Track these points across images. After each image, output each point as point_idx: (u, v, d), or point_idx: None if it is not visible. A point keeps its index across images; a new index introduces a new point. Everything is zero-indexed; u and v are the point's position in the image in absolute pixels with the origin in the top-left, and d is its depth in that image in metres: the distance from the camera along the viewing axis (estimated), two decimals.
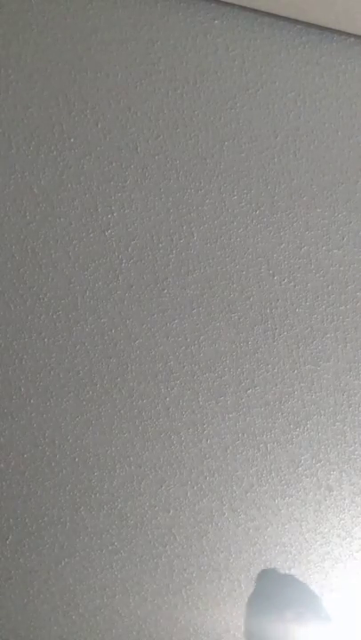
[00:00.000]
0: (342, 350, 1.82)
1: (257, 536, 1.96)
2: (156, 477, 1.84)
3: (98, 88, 1.54)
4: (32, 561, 1.86)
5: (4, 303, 1.64)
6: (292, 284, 1.74)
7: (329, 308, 1.78)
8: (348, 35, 1.60)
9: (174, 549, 1.92)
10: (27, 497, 1.80)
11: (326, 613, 1.34)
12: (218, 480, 1.88)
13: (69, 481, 1.80)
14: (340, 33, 1.60)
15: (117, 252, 1.64)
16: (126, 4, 1.51)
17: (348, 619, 2.15)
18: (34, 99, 1.52)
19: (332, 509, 1.97)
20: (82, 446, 1.78)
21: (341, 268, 1.75)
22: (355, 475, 1.94)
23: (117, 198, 1.61)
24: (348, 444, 1.91)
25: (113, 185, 1.60)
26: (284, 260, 1.72)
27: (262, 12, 1.55)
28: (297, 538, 1.99)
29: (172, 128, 1.59)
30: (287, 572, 2.03)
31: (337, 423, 1.88)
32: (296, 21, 1.57)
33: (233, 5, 1.54)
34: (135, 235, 1.64)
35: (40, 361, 1.69)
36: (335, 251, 1.74)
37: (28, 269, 1.62)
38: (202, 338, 1.74)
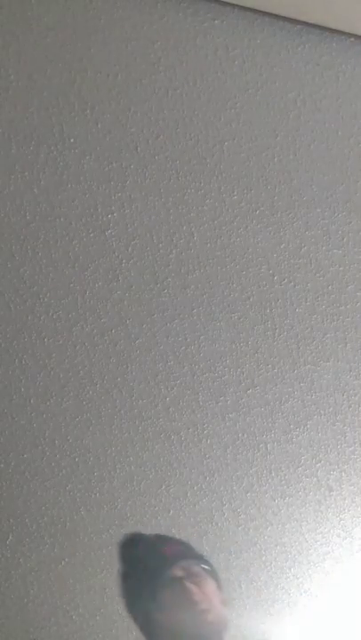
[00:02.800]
0: (342, 350, 1.82)
1: (257, 536, 1.96)
2: (156, 477, 1.84)
3: (98, 88, 1.54)
4: (32, 561, 1.86)
5: (4, 303, 1.64)
6: (292, 284, 1.74)
7: (329, 308, 1.78)
8: (348, 35, 1.60)
9: None
10: (27, 497, 1.80)
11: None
12: (218, 480, 1.88)
13: (69, 481, 1.80)
14: (340, 33, 1.60)
15: (117, 251, 1.64)
16: (126, 4, 1.51)
17: (348, 618, 2.15)
18: (34, 99, 1.52)
19: (332, 509, 1.97)
20: (82, 446, 1.78)
21: (341, 268, 1.75)
22: (355, 475, 1.94)
23: (117, 198, 1.61)
24: (348, 443, 1.91)
25: (113, 185, 1.60)
26: (284, 260, 1.72)
27: (262, 11, 1.55)
28: (297, 538, 1.99)
29: (172, 128, 1.59)
30: (287, 572, 2.03)
31: (337, 423, 1.88)
32: (296, 21, 1.57)
33: (233, 5, 1.54)
34: (135, 235, 1.64)
35: (40, 361, 1.69)
36: (335, 251, 1.74)
37: (28, 269, 1.62)
38: (202, 338, 1.74)
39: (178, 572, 1.27)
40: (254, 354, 1.78)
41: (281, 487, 1.92)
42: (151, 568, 1.30)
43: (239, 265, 1.70)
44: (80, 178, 1.58)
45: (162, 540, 1.39)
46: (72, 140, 1.56)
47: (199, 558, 1.31)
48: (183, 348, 1.74)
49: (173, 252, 1.67)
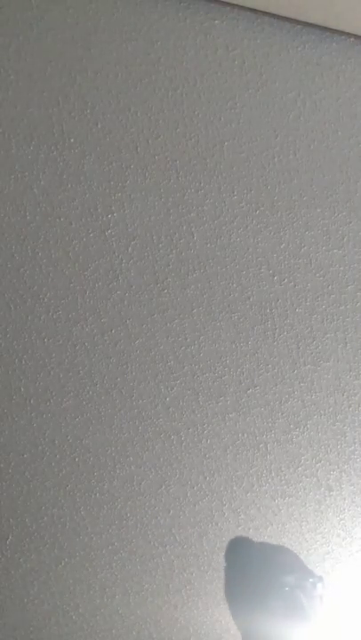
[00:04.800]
0: (342, 350, 1.82)
1: (257, 536, 1.96)
2: (156, 477, 1.84)
3: (98, 88, 1.54)
4: (32, 561, 1.86)
5: (4, 303, 1.64)
6: (292, 283, 1.74)
7: (329, 308, 1.78)
8: (349, 35, 1.60)
9: (174, 549, 1.92)
10: (27, 497, 1.80)
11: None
12: (218, 480, 1.88)
13: (69, 481, 1.80)
14: (340, 33, 1.60)
15: (117, 252, 1.64)
16: (126, 4, 1.51)
17: (348, 618, 2.15)
18: (34, 99, 1.52)
19: (332, 509, 1.97)
20: (82, 446, 1.78)
21: (341, 268, 1.75)
22: (355, 475, 1.94)
23: (117, 198, 1.61)
24: (348, 443, 1.91)
25: (113, 185, 1.60)
26: (284, 260, 1.72)
27: (262, 11, 1.55)
28: (297, 538, 1.99)
29: (172, 128, 1.59)
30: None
31: (337, 423, 1.88)
32: (296, 21, 1.57)
33: (233, 5, 1.54)
34: (135, 235, 1.64)
35: (40, 361, 1.69)
36: (335, 251, 1.74)
37: (28, 269, 1.62)
38: (202, 338, 1.74)
39: (291, 581, 1.29)
40: (254, 354, 1.78)
41: (281, 487, 1.92)
42: (263, 571, 1.31)
43: (239, 265, 1.70)
44: (80, 178, 1.58)
45: (277, 548, 1.42)
46: (72, 140, 1.56)
47: (311, 574, 1.33)
48: (183, 348, 1.74)
49: (173, 252, 1.67)
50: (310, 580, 1.30)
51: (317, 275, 1.75)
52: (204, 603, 1.84)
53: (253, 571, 1.33)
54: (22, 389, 1.71)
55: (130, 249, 1.65)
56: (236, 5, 1.54)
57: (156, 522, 1.89)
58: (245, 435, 1.84)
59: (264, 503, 1.93)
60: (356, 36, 1.60)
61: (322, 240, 1.72)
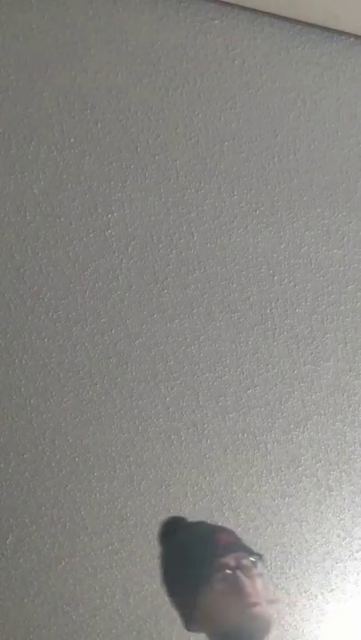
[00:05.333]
0: (342, 350, 1.82)
1: (257, 536, 1.96)
2: (156, 477, 1.84)
3: (98, 88, 1.54)
4: (32, 561, 1.86)
5: (4, 303, 1.64)
6: (292, 284, 1.74)
7: (329, 308, 1.78)
8: (349, 35, 1.60)
9: None
10: (27, 497, 1.80)
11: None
12: (218, 480, 1.88)
13: (69, 481, 1.80)
14: (340, 33, 1.60)
15: (117, 252, 1.64)
16: (126, 4, 1.51)
17: (348, 618, 2.15)
18: (34, 99, 1.52)
19: (332, 509, 1.97)
20: (82, 446, 1.78)
21: (341, 268, 1.75)
22: (355, 475, 1.94)
23: (117, 198, 1.61)
24: (348, 443, 1.91)
25: (113, 185, 1.60)
26: (284, 260, 1.72)
27: (262, 11, 1.55)
28: (297, 538, 1.99)
29: (172, 128, 1.59)
30: (287, 572, 2.03)
31: (337, 423, 1.88)
32: (296, 21, 1.57)
33: (233, 5, 1.54)
34: (135, 235, 1.64)
35: (40, 361, 1.69)
36: (335, 251, 1.74)
37: (28, 269, 1.62)
38: (202, 338, 1.74)
39: (231, 562, 1.27)
40: (254, 354, 1.78)
41: (281, 487, 1.92)
42: (202, 553, 1.29)
43: (239, 265, 1.70)
44: (80, 178, 1.58)
45: (214, 527, 1.40)
46: (72, 140, 1.56)
47: (251, 552, 1.31)
48: (183, 347, 1.74)
49: (173, 252, 1.67)
50: (250, 559, 1.28)
51: (317, 275, 1.75)
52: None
53: (192, 554, 1.31)
54: (22, 389, 1.71)
55: (130, 249, 1.65)
56: (236, 5, 1.54)
57: (156, 522, 1.89)
58: (245, 435, 1.84)
59: (264, 503, 1.93)
60: (356, 36, 1.60)
61: (322, 240, 1.72)
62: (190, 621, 1.32)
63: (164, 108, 1.57)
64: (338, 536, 2.01)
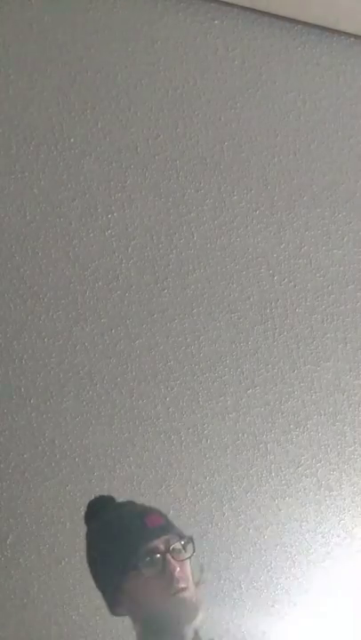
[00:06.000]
0: (342, 350, 1.82)
1: (257, 536, 1.96)
2: (156, 477, 1.84)
3: (98, 88, 1.54)
4: (32, 561, 1.86)
5: (4, 303, 1.64)
6: (292, 283, 1.74)
7: (329, 308, 1.78)
8: (348, 35, 1.60)
9: None
10: (27, 497, 1.80)
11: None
12: (218, 480, 1.88)
13: (69, 481, 1.80)
14: (340, 33, 1.60)
15: (117, 252, 1.64)
16: (126, 4, 1.51)
17: (348, 618, 2.15)
18: (34, 99, 1.52)
19: (332, 509, 1.97)
20: (82, 446, 1.78)
21: (341, 268, 1.75)
22: (355, 475, 1.94)
23: (117, 198, 1.61)
24: (348, 443, 1.91)
25: (113, 185, 1.60)
26: (284, 260, 1.72)
27: (262, 11, 1.55)
28: (297, 538, 1.99)
29: (172, 128, 1.59)
30: (287, 572, 2.03)
31: (337, 423, 1.88)
32: (296, 21, 1.57)
33: (233, 5, 1.54)
34: (135, 235, 1.64)
35: (40, 361, 1.69)
36: (335, 251, 1.74)
37: (28, 269, 1.62)
38: (202, 338, 1.74)
39: (160, 545, 1.24)
40: (254, 354, 1.78)
41: (281, 487, 1.92)
42: (130, 535, 1.26)
43: (239, 265, 1.70)
44: (80, 178, 1.58)
45: (143, 508, 1.36)
46: (72, 140, 1.56)
47: (180, 535, 1.28)
48: (183, 347, 1.74)
49: (173, 252, 1.67)
50: (181, 542, 1.26)
51: (317, 275, 1.75)
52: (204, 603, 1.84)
53: (119, 535, 1.28)
54: (22, 389, 1.71)
55: (130, 249, 1.65)
56: (236, 5, 1.54)
57: None
58: (245, 435, 1.84)
59: (264, 503, 1.93)
60: (356, 36, 1.60)
61: (322, 240, 1.72)
62: (115, 605, 1.28)
63: (164, 108, 1.57)
64: (338, 536, 2.00)
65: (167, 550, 1.24)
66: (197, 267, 1.68)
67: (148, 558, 1.23)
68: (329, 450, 1.90)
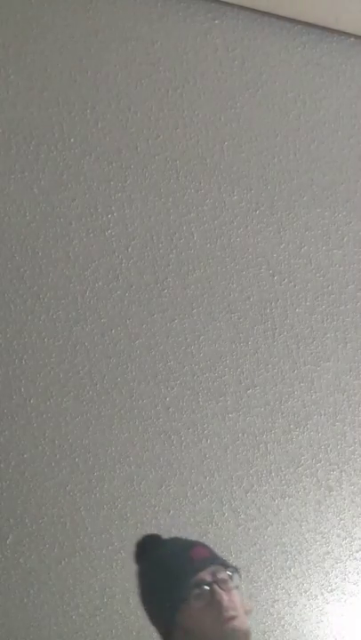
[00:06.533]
0: (342, 350, 1.82)
1: (257, 536, 1.96)
2: (156, 477, 1.84)
3: (98, 88, 1.54)
4: (32, 561, 1.86)
5: (4, 303, 1.64)
6: (292, 284, 1.74)
7: (329, 308, 1.78)
8: (348, 35, 1.60)
9: None
10: (27, 497, 1.80)
11: None
12: (218, 480, 1.88)
13: (69, 481, 1.80)
14: (340, 33, 1.60)
15: (117, 252, 1.64)
16: (126, 4, 1.51)
17: (348, 618, 2.15)
18: (34, 99, 1.52)
19: (332, 509, 1.97)
20: (82, 446, 1.78)
21: (341, 268, 1.75)
22: (355, 475, 1.94)
23: (117, 198, 1.61)
24: (348, 443, 1.91)
25: (113, 185, 1.60)
26: (284, 260, 1.72)
27: (262, 11, 1.55)
28: (297, 538, 1.99)
29: (172, 128, 1.59)
30: (287, 572, 2.03)
31: (337, 423, 1.88)
32: (296, 21, 1.57)
33: (233, 5, 1.54)
34: (135, 235, 1.64)
35: (40, 361, 1.69)
36: (335, 251, 1.74)
37: (28, 269, 1.62)
38: (202, 338, 1.74)
39: (206, 577, 1.27)
40: (254, 354, 1.78)
41: (281, 487, 1.92)
42: (177, 570, 1.29)
43: (239, 265, 1.70)
44: (80, 178, 1.58)
45: (188, 543, 1.39)
46: (72, 140, 1.56)
47: (226, 565, 1.31)
48: (183, 347, 1.74)
49: (173, 252, 1.67)
50: (227, 572, 1.28)
51: (317, 275, 1.75)
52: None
53: (167, 571, 1.31)
54: (22, 389, 1.71)
55: (130, 249, 1.65)
56: (236, 5, 1.54)
57: (156, 522, 1.89)
58: (245, 435, 1.84)
59: (264, 503, 1.93)
60: (356, 36, 1.60)
61: (322, 240, 1.72)
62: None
63: (164, 107, 1.57)
64: (338, 536, 2.00)
65: (214, 581, 1.27)
66: (197, 267, 1.68)
67: (197, 590, 1.26)
68: (329, 450, 1.90)
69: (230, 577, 1.28)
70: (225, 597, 1.24)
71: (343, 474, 1.93)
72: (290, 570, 2.02)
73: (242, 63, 1.58)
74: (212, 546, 1.35)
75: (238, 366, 1.78)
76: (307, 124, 1.64)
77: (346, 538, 2.01)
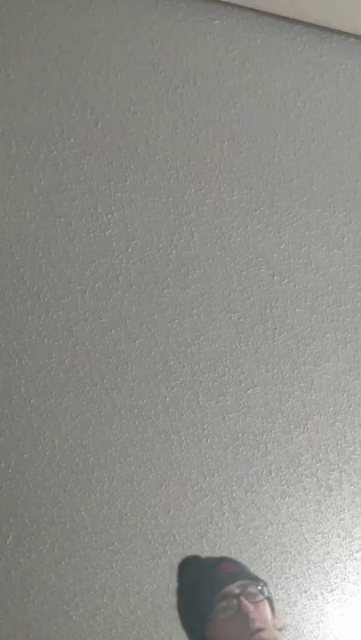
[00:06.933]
0: (342, 350, 1.82)
1: (257, 536, 1.96)
2: (156, 477, 1.84)
3: (98, 88, 1.54)
4: (32, 561, 1.86)
5: (4, 303, 1.64)
6: (292, 284, 1.74)
7: (329, 308, 1.78)
8: (348, 35, 1.60)
9: (174, 549, 1.92)
10: (27, 497, 1.80)
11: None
12: (218, 480, 1.88)
13: (69, 481, 1.80)
14: (340, 33, 1.60)
15: (117, 251, 1.64)
16: (126, 4, 1.51)
17: (348, 618, 2.15)
18: (34, 99, 1.52)
19: (332, 509, 1.97)
20: (82, 446, 1.78)
21: (341, 268, 1.75)
22: (355, 475, 1.94)
23: (117, 198, 1.61)
24: (348, 443, 1.91)
25: (113, 185, 1.60)
26: (284, 260, 1.72)
27: (262, 11, 1.55)
28: (297, 538, 1.99)
29: (172, 128, 1.59)
30: (287, 572, 2.03)
31: (337, 423, 1.88)
32: (296, 21, 1.57)
33: (233, 5, 1.54)
34: (135, 235, 1.64)
35: (40, 361, 1.69)
36: (335, 251, 1.74)
37: (28, 269, 1.62)
38: (202, 338, 1.74)
39: (235, 590, 1.29)
40: (254, 354, 1.78)
41: (281, 487, 1.92)
42: (205, 584, 1.32)
43: (239, 265, 1.70)
44: (80, 178, 1.58)
45: (220, 559, 1.43)
46: (72, 140, 1.56)
47: (254, 579, 1.33)
48: (183, 347, 1.74)
49: (173, 252, 1.67)
50: (257, 586, 1.30)
51: (317, 275, 1.75)
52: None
53: (197, 585, 1.34)
54: (22, 389, 1.71)
55: (130, 249, 1.65)
56: (236, 5, 1.54)
57: (156, 522, 1.89)
58: (245, 435, 1.84)
59: (264, 503, 1.93)
60: (356, 36, 1.60)
61: (322, 240, 1.72)
62: None
63: (164, 108, 1.57)
64: (338, 536, 2.01)
65: (241, 593, 1.28)
66: (197, 267, 1.69)
67: (224, 602, 1.27)
68: (329, 450, 1.90)
69: (260, 590, 1.30)
70: (252, 609, 1.25)
71: (343, 474, 1.93)
72: (290, 570, 2.02)
73: (242, 63, 1.58)
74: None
75: (238, 366, 1.78)
76: (307, 124, 1.64)
77: (346, 538, 2.01)
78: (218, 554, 1.92)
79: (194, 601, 1.34)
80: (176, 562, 1.45)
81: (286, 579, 2.03)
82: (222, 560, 1.41)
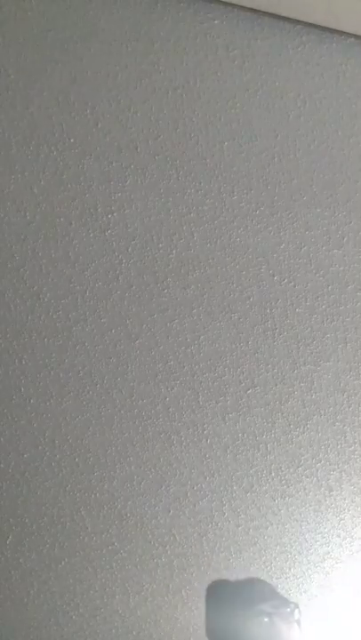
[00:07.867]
0: (342, 350, 1.82)
1: (257, 536, 1.96)
2: (156, 477, 1.84)
3: (98, 88, 1.54)
4: (32, 561, 1.86)
5: (4, 303, 1.64)
6: (292, 284, 1.74)
7: (329, 308, 1.78)
8: (348, 35, 1.60)
9: (174, 549, 1.92)
10: (27, 497, 1.80)
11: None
12: (218, 480, 1.88)
13: (69, 481, 1.80)
14: (340, 33, 1.60)
15: (117, 251, 1.64)
16: (126, 4, 1.51)
17: (348, 618, 2.15)
18: (34, 99, 1.52)
19: (332, 509, 1.97)
20: (82, 446, 1.78)
21: (341, 268, 1.75)
22: (355, 475, 1.94)
23: (117, 198, 1.61)
24: (348, 443, 1.91)
25: (113, 185, 1.60)
26: (284, 260, 1.72)
27: (262, 11, 1.55)
28: (297, 538, 1.99)
29: (172, 128, 1.59)
30: (287, 572, 2.03)
31: (337, 423, 1.88)
32: (296, 21, 1.57)
33: (233, 5, 1.54)
34: (135, 235, 1.64)
35: (40, 361, 1.69)
36: (335, 251, 1.74)
37: (28, 269, 1.62)
38: (202, 338, 1.74)
39: (267, 609, 1.30)
40: (254, 354, 1.78)
41: (281, 487, 1.92)
42: (239, 604, 1.34)
43: (239, 265, 1.70)
44: (80, 178, 1.58)
45: (249, 579, 1.45)
46: (72, 140, 1.56)
47: (286, 600, 1.35)
48: (183, 347, 1.74)
49: (173, 252, 1.67)
50: (288, 607, 1.32)
51: (317, 275, 1.75)
52: (204, 603, 1.84)
53: (229, 605, 1.36)
54: (22, 389, 1.71)
55: (130, 249, 1.65)
56: (236, 5, 1.54)
57: (156, 522, 1.89)
58: (245, 435, 1.84)
59: (264, 503, 1.93)
60: (356, 36, 1.60)
61: (322, 240, 1.72)
62: None
63: (164, 108, 1.57)
64: (338, 536, 2.01)
65: (273, 613, 1.29)
66: (197, 267, 1.69)
67: (257, 620, 1.28)
68: (329, 450, 1.90)
69: (291, 612, 1.31)
70: (284, 629, 1.27)
71: (343, 474, 1.93)
72: (290, 570, 2.02)
73: (242, 63, 1.58)
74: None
75: (238, 366, 1.78)
76: (307, 124, 1.64)
77: (346, 538, 2.01)
78: (218, 554, 1.93)
79: (226, 621, 1.36)
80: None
81: (286, 579, 2.03)
82: (254, 581, 1.44)
